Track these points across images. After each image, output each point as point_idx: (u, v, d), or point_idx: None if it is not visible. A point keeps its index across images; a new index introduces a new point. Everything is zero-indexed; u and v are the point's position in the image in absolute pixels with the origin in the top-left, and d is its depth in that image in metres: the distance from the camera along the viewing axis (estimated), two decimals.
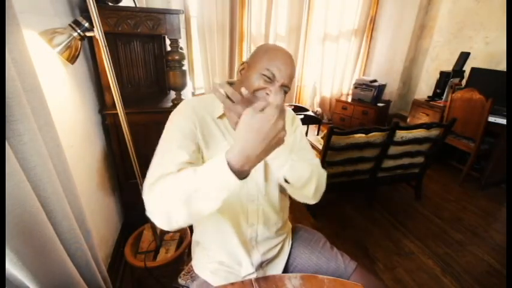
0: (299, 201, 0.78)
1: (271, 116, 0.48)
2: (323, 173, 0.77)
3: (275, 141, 0.50)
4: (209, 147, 0.71)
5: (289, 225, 0.96)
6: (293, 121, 0.86)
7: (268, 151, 0.50)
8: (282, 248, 0.88)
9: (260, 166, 0.75)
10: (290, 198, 0.89)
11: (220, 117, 0.73)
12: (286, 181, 0.67)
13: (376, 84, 3.17)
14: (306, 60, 3.40)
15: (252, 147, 0.48)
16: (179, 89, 1.40)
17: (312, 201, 0.77)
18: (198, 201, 0.52)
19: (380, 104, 3.22)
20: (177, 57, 1.33)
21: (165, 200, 0.55)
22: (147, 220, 1.28)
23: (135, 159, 1.13)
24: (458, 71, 2.75)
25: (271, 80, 0.69)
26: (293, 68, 0.73)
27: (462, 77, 2.78)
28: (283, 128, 0.50)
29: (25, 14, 0.82)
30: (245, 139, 0.49)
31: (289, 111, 0.87)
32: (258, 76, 0.69)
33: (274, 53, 0.71)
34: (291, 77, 0.72)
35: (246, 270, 0.79)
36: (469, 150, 2.33)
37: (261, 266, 0.83)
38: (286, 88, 0.71)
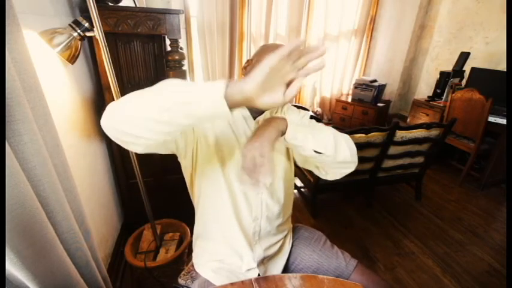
0: (341, 176, 0.75)
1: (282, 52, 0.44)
2: (345, 135, 0.74)
3: (278, 78, 0.45)
4: (217, 141, 0.75)
5: (290, 223, 0.96)
6: (300, 111, 0.89)
7: (265, 85, 0.44)
8: (282, 245, 0.89)
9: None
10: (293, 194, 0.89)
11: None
12: (318, 153, 0.65)
13: (376, 84, 3.16)
14: None
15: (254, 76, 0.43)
16: None
17: (352, 167, 0.73)
18: (174, 109, 0.46)
19: (380, 104, 3.22)
20: (177, 57, 1.33)
21: (137, 103, 0.49)
22: (147, 220, 1.28)
23: (135, 159, 1.13)
24: (458, 71, 2.75)
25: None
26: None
27: (462, 77, 2.78)
28: (290, 72, 0.45)
29: (25, 14, 0.82)
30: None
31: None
32: None
33: (277, 47, 0.75)
34: None
35: (248, 264, 0.80)
36: (469, 150, 2.33)
37: (263, 262, 0.83)
38: None
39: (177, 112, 0.46)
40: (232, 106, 0.44)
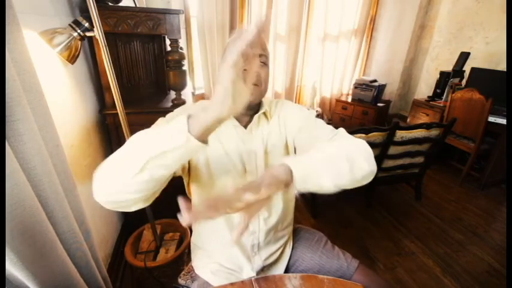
0: (365, 183, 0.64)
1: None
2: (358, 142, 0.65)
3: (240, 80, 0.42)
4: (208, 161, 0.71)
5: (291, 227, 0.94)
6: (301, 108, 0.84)
7: (236, 97, 0.42)
8: (283, 251, 0.87)
9: (262, 172, 0.74)
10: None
11: None
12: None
13: (376, 84, 3.16)
14: (305, 60, 3.40)
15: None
16: (179, 89, 1.40)
17: (371, 176, 0.63)
18: (151, 161, 0.45)
19: (380, 104, 3.21)
20: (177, 57, 1.33)
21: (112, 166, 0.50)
22: (147, 220, 1.28)
23: None
24: (458, 71, 2.74)
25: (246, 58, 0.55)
26: (261, 38, 0.72)
27: (462, 77, 2.78)
28: None
29: (25, 14, 0.82)
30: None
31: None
32: None
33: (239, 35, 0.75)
34: (263, 46, 0.71)
35: (247, 274, 0.80)
36: (469, 150, 2.33)
37: (262, 270, 0.82)
38: (263, 58, 0.70)
39: (152, 169, 0.45)
40: (204, 134, 0.43)
